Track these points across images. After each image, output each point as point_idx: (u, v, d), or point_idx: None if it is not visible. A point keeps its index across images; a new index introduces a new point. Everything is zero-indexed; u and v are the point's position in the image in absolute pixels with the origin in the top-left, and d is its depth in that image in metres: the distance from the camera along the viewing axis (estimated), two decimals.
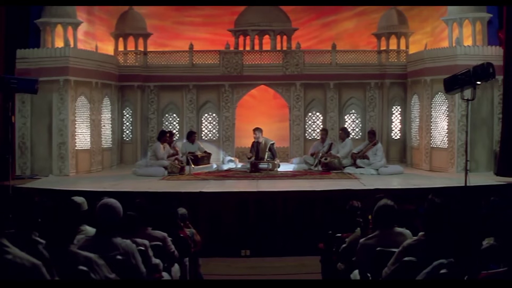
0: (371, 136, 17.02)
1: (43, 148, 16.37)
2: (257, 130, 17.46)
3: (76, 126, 16.64)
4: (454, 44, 16.72)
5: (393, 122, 19.75)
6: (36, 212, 7.50)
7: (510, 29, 15.59)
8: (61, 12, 16.73)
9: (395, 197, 13.34)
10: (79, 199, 8.28)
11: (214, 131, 19.96)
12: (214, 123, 19.95)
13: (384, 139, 19.51)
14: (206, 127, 19.98)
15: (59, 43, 16.87)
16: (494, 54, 16.17)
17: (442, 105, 16.86)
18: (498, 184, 14.36)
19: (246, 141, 20.05)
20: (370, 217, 10.79)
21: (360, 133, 19.87)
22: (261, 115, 20.51)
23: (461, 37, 16.73)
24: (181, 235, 9.25)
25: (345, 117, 19.92)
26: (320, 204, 13.40)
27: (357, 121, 19.95)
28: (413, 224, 8.70)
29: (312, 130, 19.97)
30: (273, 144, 17.47)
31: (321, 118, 19.90)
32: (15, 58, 15.98)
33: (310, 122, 20.01)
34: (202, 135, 19.88)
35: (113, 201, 6.50)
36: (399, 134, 19.66)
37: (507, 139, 15.70)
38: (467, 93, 13.32)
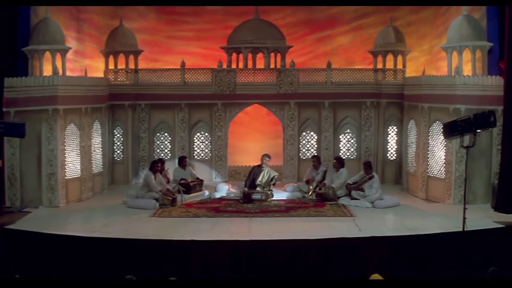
0: (367, 168, 16.63)
1: (33, 178, 15.99)
2: (268, 157, 17.25)
3: (65, 155, 16.27)
4: (453, 73, 16.31)
5: (389, 142, 19.45)
6: None
7: (511, 59, 15.19)
8: (49, 39, 16.22)
9: (389, 245, 13.33)
10: None
11: (206, 150, 19.64)
12: (206, 142, 19.62)
13: (379, 159, 19.29)
14: (198, 146, 19.65)
15: (48, 67, 16.39)
16: (494, 84, 15.86)
17: (439, 134, 16.42)
18: (497, 227, 14.09)
19: (239, 158, 19.85)
20: None
21: (355, 153, 19.59)
22: (254, 132, 20.24)
23: (461, 66, 16.31)
24: None
25: (340, 136, 19.61)
26: (314, 253, 13.14)
27: (352, 141, 19.65)
28: None
29: (306, 150, 19.67)
30: (275, 176, 17.20)
31: (316, 137, 19.59)
32: (3, 87, 15.53)
33: (304, 142, 19.68)
34: (194, 154, 19.58)
35: None
36: (395, 155, 19.36)
37: (506, 172, 15.38)
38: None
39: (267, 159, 17.23)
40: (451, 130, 13.14)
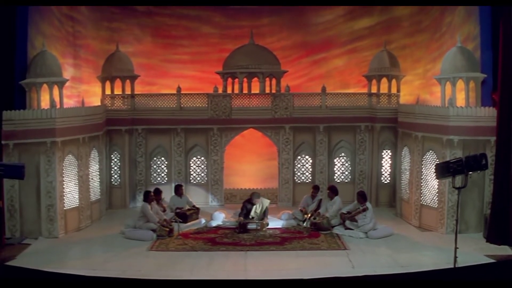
0: (360, 199, 16.82)
1: (32, 210, 16.15)
2: (257, 197, 17.32)
3: (64, 186, 16.43)
4: (446, 104, 16.50)
5: (383, 166, 19.69)
6: None
7: (504, 91, 15.39)
8: (46, 72, 16.32)
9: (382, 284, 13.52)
10: None
11: (202, 174, 19.86)
12: (202, 166, 19.84)
13: (373, 182, 19.54)
14: (194, 170, 19.88)
15: (46, 97, 16.49)
16: (487, 115, 16.04)
17: (433, 164, 16.63)
18: (488, 262, 14.29)
19: (234, 180, 20.09)
20: None
21: (350, 177, 19.83)
22: (250, 154, 20.47)
23: (454, 97, 16.49)
24: None
25: (335, 160, 19.87)
26: None
27: (346, 164, 19.90)
28: None
29: (301, 174, 19.92)
30: (267, 206, 17.37)
31: (311, 161, 19.82)
32: (2, 120, 15.66)
33: (299, 166, 19.92)
34: (191, 178, 19.81)
35: None
36: (389, 178, 19.60)
37: (499, 203, 15.60)
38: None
39: (257, 200, 17.33)
40: (443, 171, 13.37)
